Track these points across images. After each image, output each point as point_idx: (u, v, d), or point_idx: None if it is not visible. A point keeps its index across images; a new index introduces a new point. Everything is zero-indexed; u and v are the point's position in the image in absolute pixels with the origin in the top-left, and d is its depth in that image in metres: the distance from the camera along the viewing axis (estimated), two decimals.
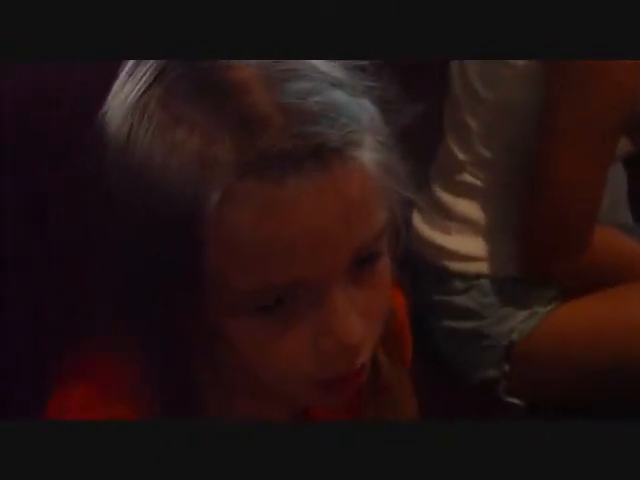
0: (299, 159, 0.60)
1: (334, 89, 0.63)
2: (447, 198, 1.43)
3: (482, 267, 1.40)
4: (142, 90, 0.64)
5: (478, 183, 1.40)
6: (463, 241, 1.41)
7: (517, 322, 1.39)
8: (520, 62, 1.30)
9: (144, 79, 0.64)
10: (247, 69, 0.63)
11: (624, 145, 1.35)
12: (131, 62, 0.66)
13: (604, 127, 1.27)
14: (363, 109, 0.64)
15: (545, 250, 1.33)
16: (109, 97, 0.67)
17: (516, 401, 1.41)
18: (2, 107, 0.80)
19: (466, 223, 1.41)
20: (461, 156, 1.40)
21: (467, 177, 1.40)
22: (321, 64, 0.65)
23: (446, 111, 1.45)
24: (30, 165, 0.81)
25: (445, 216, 1.43)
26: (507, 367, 1.40)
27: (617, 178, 1.47)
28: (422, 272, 1.43)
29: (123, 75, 0.66)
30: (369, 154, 0.63)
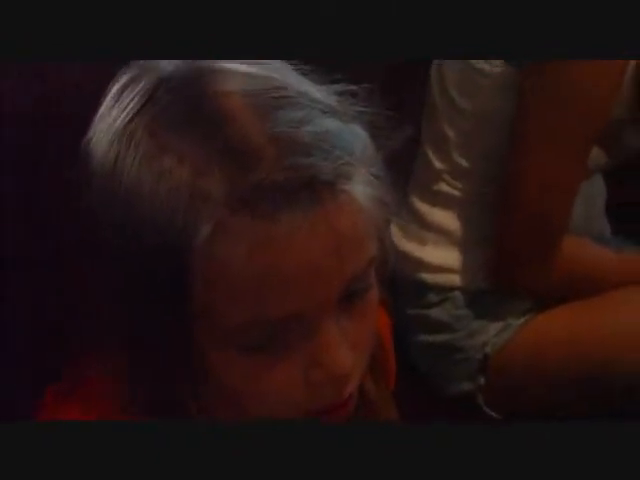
0: (292, 192, 0.61)
1: (326, 117, 0.64)
2: (424, 208, 1.47)
3: (456, 279, 1.44)
4: (129, 117, 0.65)
5: (455, 192, 1.44)
6: (438, 252, 1.45)
7: (490, 335, 1.42)
8: (497, 70, 1.34)
9: (131, 105, 0.65)
10: (237, 98, 0.64)
11: (600, 156, 1.40)
12: (117, 86, 0.67)
13: (575, 135, 1.30)
14: (355, 137, 0.66)
15: (516, 258, 1.37)
16: (94, 122, 0.67)
17: (493, 413, 1.45)
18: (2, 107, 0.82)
19: (442, 234, 1.45)
20: (438, 165, 1.44)
21: (444, 186, 1.44)
22: (312, 90, 0.66)
23: (424, 121, 1.48)
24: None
25: (421, 227, 1.46)
26: (482, 380, 1.43)
27: (596, 189, 1.52)
28: (399, 285, 1.47)
29: (109, 100, 0.67)
30: (361, 187, 0.65)
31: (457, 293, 1.43)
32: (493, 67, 1.34)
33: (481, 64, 1.36)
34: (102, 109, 0.67)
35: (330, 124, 0.64)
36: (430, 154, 1.46)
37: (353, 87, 0.68)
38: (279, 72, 0.67)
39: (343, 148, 0.64)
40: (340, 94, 0.67)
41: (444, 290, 1.43)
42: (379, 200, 0.67)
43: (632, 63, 1.30)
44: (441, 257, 1.44)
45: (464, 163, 1.42)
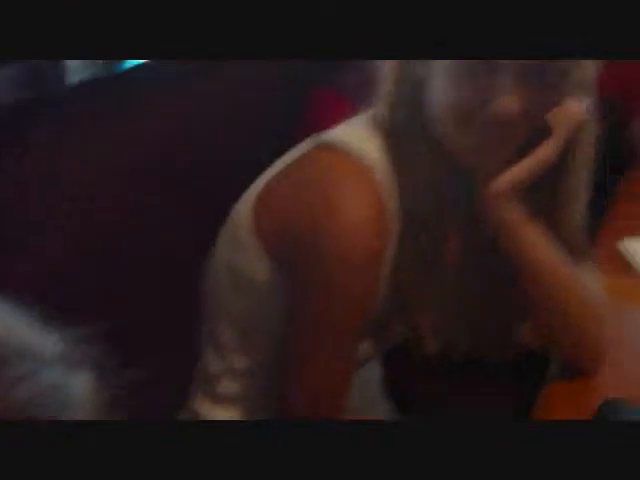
0: None
1: (48, 369, 0.65)
2: (206, 409, 1.52)
3: None
4: None
5: (234, 392, 1.50)
6: None
7: None
8: (265, 277, 1.40)
9: None
10: None
11: (368, 348, 1.49)
12: None
13: (341, 328, 1.37)
14: (80, 384, 0.67)
15: None
16: None
17: None
18: None
19: None
20: (217, 366, 1.50)
21: (224, 387, 1.50)
22: (37, 341, 0.67)
23: (203, 323, 1.54)
24: None
25: None
26: None
27: (371, 374, 1.61)
28: None
29: None
30: None
31: None
32: (262, 275, 1.41)
33: (251, 268, 1.42)
34: None
35: (51, 378, 0.65)
36: (209, 356, 1.52)
37: (85, 330, 0.69)
38: (4, 326, 0.68)
39: (66, 397, 0.66)
40: (70, 340, 0.69)
41: None
42: None
43: (386, 252, 1.38)
44: None
45: (242, 364, 1.48)
